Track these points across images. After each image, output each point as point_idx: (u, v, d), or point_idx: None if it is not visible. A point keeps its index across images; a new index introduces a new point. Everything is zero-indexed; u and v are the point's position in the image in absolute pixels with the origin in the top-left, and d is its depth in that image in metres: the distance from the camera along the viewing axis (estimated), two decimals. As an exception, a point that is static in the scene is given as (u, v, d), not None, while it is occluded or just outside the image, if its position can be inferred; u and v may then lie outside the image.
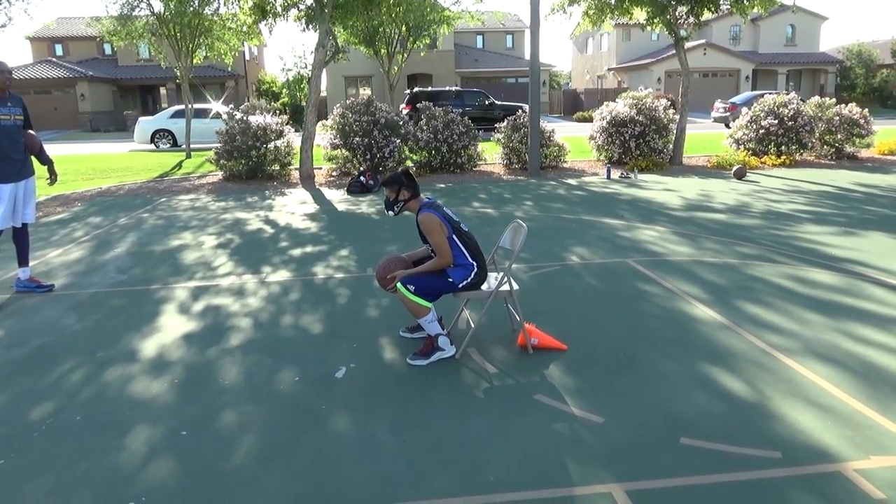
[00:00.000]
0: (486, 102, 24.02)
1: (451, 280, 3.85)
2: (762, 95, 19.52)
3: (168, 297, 5.30)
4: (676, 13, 13.47)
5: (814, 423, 3.05)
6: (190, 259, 6.59)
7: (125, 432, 3.12)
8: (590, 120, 20.31)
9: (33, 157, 5.54)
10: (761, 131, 14.05)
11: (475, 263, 3.88)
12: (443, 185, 11.53)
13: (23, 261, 5.59)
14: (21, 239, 5.53)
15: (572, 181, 11.74)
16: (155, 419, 3.25)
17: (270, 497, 2.56)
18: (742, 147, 14.47)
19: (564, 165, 13.90)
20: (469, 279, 3.86)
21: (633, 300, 4.91)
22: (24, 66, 35.25)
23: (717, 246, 6.58)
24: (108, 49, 37.98)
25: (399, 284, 3.77)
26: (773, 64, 39.24)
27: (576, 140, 16.97)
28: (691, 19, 13.53)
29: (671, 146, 13.85)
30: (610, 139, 13.77)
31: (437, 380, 3.61)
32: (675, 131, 13.82)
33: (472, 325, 4.07)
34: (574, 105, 39.54)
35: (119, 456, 2.91)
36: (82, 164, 16.58)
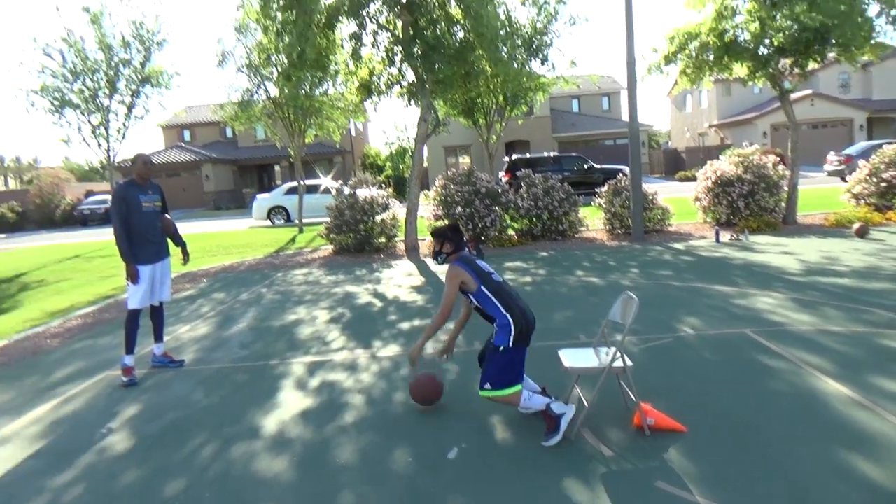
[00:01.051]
0: (586, 166, 24.00)
1: (503, 349, 3.91)
2: (880, 145, 18.37)
3: (286, 373, 5.54)
4: (780, 66, 13.08)
5: (978, 522, 2.74)
6: (305, 334, 6.90)
7: (251, 511, 3.26)
8: (692, 179, 19.81)
9: (168, 239, 6.07)
10: (883, 184, 13.17)
11: (509, 316, 3.95)
12: (545, 254, 11.52)
13: (158, 337, 6.05)
14: (157, 317, 6.01)
15: (679, 245, 11.40)
16: (277, 499, 3.37)
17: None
18: (862, 202, 13.58)
19: (670, 229, 13.54)
20: (513, 336, 3.91)
21: (754, 375, 4.65)
22: (157, 151, 38.93)
23: (844, 313, 6.14)
24: (229, 132, 41.27)
25: (480, 392, 3.93)
26: (890, 111, 36.93)
27: (680, 201, 16.54)
28: (796, 71, 13.09)
29: (783, 204, 13.22)
30: (716, 200, 13.34)
31: (551, 462, 3.54)
32: (786, 188, 13.21)
33: (585, 405, 3.99)
34: (675, 164, 38.74)
35: (247, 535, 3.03)
36: (207, 241, 17.87)
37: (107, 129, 19.72)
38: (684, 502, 3.04)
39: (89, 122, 19.57)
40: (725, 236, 11.87)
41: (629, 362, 3.92)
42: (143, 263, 5.64)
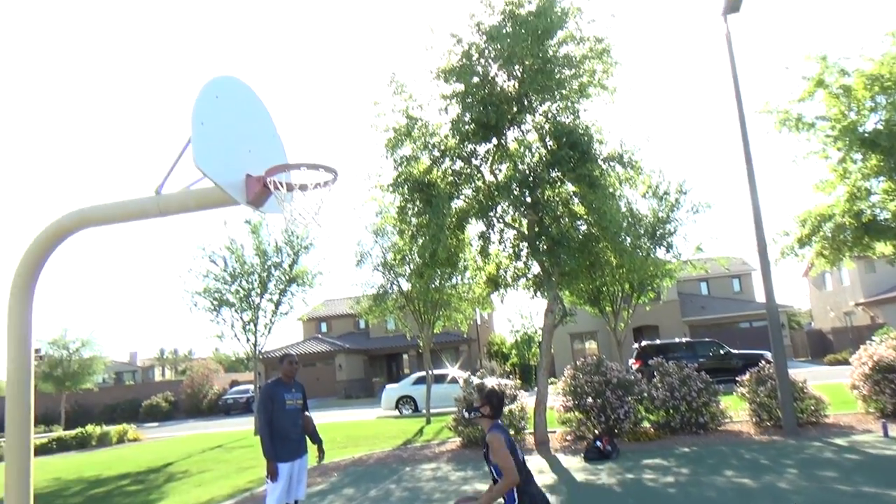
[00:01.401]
0: (722, 352, 22.78)
1: None
2: None
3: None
4: (931, 244, 12.32)
5: None
6: (435, 536, 6.66)
7: None
8: (844, 363, 18.15)
9: (306, 436, 6.31)
10: None
11: (517, 495, 3.99)
12: (686, 449, 10.70)
13: None
14: None
15: (841, 441, 10.23)
16: None
17: None
18: None
19: (826, 420, 12.24)
20: None
21: None
22: (296, 343, 41.51)
23: None
24: (361, 324, 43.52)
25: None
26: None
27: (834, 388, 15.05)
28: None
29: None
30: (877, 388, 12.05)
31: None
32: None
33: None
34: (822, 346, 35.91)
35: None
36: (337, 432, 18.23)
37: (255, 325, 21.48)
38: None
39: (241, 318, 21.47)
40: (894, 430, 10.54)
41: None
42: (282, 461, 5.85)
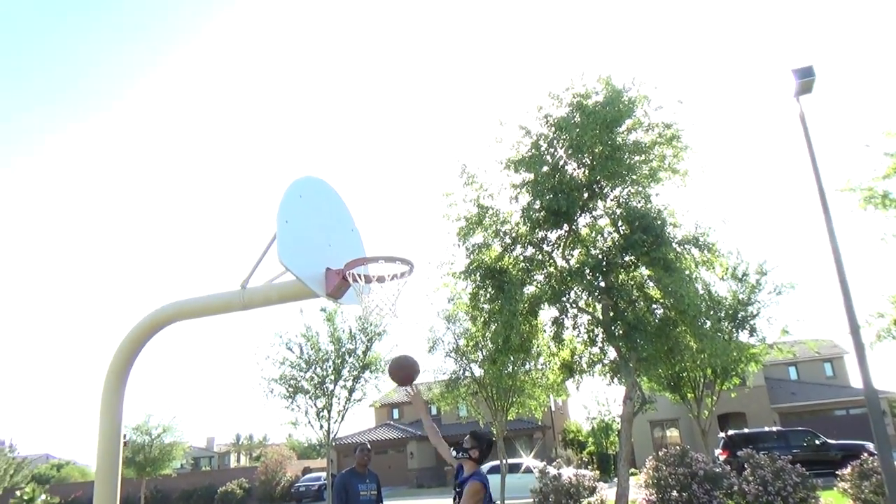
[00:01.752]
0: (817, 442, 21.24)
1: None
2: None
3: None
4: None
5: None
6: None
7: None
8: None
9: None
10: None
11: None
12: (785, 549, 9.91)
13: None
14: None
15: (965, 544, 9.25)
16: None
17: None
18: None
19: (946, 521, 11.12)
20: None
21: None
22: (369, 429, 41.39)
23: None
24: (433, 410, 43.08)
25: None
26: None
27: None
28: None
29: None
30: None
31: None
32: None
33: None
34: (934, 436, 32.87)
35: None
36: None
37: (329, 412, 21.65)
38: None
39: (315, 405, 21.71)
40: None
41: None
42: None
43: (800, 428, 23.86)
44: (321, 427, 21.89)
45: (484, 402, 20.31)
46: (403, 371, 5.46)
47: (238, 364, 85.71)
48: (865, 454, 12.30)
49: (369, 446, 6.50)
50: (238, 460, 73.05)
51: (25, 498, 39.47)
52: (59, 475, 56.39)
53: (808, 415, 34.31)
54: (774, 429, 23.41)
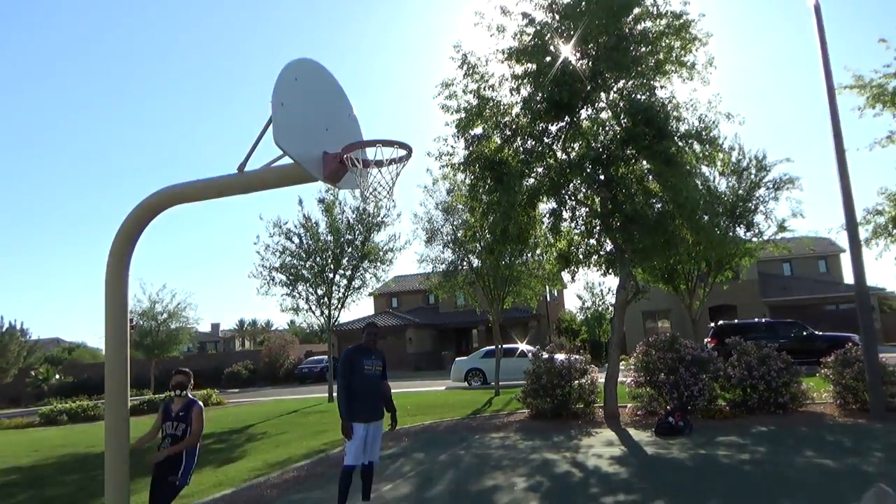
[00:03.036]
0: (805, 333, 21.84)
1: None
2: None
3: (487, 541, 5.46)
4: None
5: None
6: (504, 501, 6.79)
7: None
8: (945, 349, 17.12)
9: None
10: None
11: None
12: (763, 429, 10.41)
13: (365, 495, 6.33)
14: (367, 476, 6.34)
15: (935, 426, 9.72)
16: None
17: None
18: None
19: (920, 406, 11.63)
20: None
21: None
22: (368, 317, 42.51)
23: None
24: (430, 299, 44.07)
25: None
26: None
27: (929, 374, 14.26)
28: None
29: None
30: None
31: None
32: None
33: None
34: (917, 331, 33.83)
35: None
36: (408, 400, 18.65)
37: (329, 299, 22.13)
38: None
39: (316, 293, 22.16)
40: None
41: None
42: (359, 421, 6.08)
43: (789, 320, 24.47)
44: (322, 314, 22.45)
45: (481, 291, 20.71)
46: None
47: (241, 253, 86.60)
48: (850, 344, 12.65)
49: (377, 326, 6.66)
50: (242, 345, 75.53)
51: (40, 378, 41.14)
52: (70, 357, 58.45)
53: (799, 309, 35.13)
54: (763, 320, 24.02)
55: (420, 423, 13.88)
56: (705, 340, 20.77)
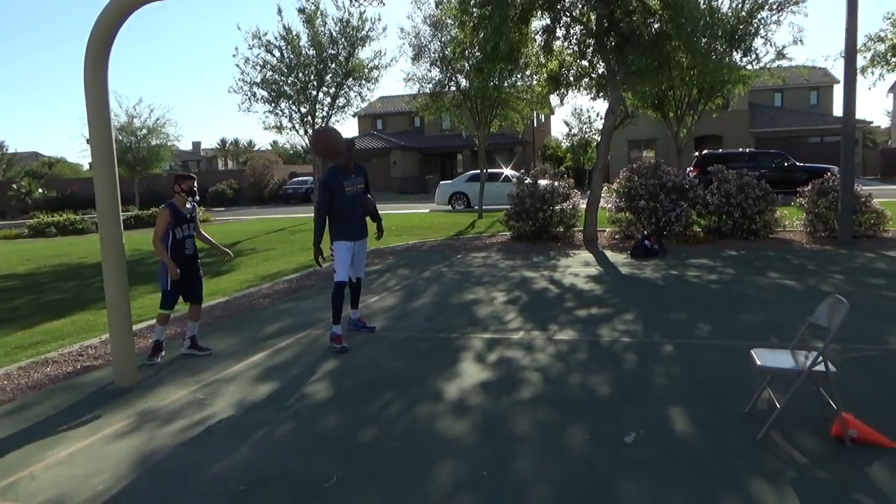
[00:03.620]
0: (786, 164, 22.03)
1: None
2: None
3: (466, 346, 5.83)
4: None
5: None
6: (483, 312, 7.17)
7: (436, 462, 3.53)
8: (920, 183, 17.43)
9: (368, 217, 6.55)
10: None
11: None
12: (734, 253, 10.84)
13: (354, 304, 6.62)
14: (355, 290, 6.54)
15: (894, 254, 10.17)
16: (460, 456, 3.61)
17: (566, 547, 2.69)
18: None
19: (884, 235, 12.09)
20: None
21: None
22: (353, 138, 41.94)
23: None
24: (416, 122, 43.31)
25: None
26: None
27: (900, 206, 14.70)
28: None
29: None
30: (949, 206, 11.67)
31: (737, 461, 3.43)
32: None
33: (778, 407, 3.79)
34: (894, 166, 34.25)
35: (432, 483, 3.30)
36: (393, 221, 19.01)
37: (313, 118, 21.61)
38: (889, 519, 2.82)
39: (299, 111, 21.58)
40: (957, 248, 10.39)
41: (832, 368, 3.66)
42: (345, 240, 6.05)
43: (772, 150, 24.55)
44: (305, 133, 22.05)
45: (468, 113, 20.30)
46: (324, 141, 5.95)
47: (222, 69, 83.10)
48: (828, 174, 12.81)
49: (353, 140, 6.43)
50: (225, 164, 75.03)
51: (24, 191, 41.01)
52: (50, 172, 57.90)
53: (784, 141, 35.12)
54: (747, 150, 24.08)
55: (404, 242, 14.25)
56: (688, 169, 20.92)
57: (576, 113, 38.92)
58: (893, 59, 12.67)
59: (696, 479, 3.24)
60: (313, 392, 4.80)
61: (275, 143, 74.47)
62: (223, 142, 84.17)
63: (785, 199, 14.04)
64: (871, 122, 39.77)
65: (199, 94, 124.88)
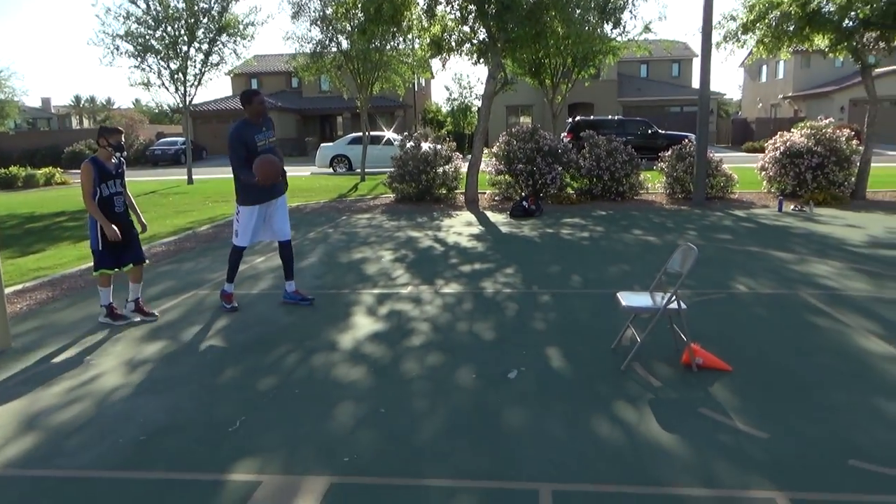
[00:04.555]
0: (650, 131, 23.66)
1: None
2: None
3: (357, 301, 6.01)
4: (864, 39, 12.64)
5: None
6: (372, 270, 7.36)
7: (335, 405, 3.72)
8: (760, 151, 19.34)
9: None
10: (965, 165, 12.72)
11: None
12: (603, 212, 11.68)
13: (288, 275, 6.06)
14: (285, 254, 6.01)
15: (740, 212, 11.39)
16: (357, 398, 3.82)
17: (457, 469, 3.00)
18: (940, 182, 13.17)
19: (732, 197, 13.46)
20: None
21: (804, 331, 4.86)
22: (226, 97, 40.01)
23: (903, 284, 6.21)
24: (294, 83, 41.99)
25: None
26: (984, 90, 34.75)
27: (745, 171, 16.33)
28: (881, 45, 12.63)
29: (853, 179, 12.94)
30: (783, 170, 13.15)
31: (602, 388, 3.88)
32: (858, 164, 12.91)
33: (638, 341, 4.30)
34: (744, 135, 37.62)
35: (332, 423, 3.50)
36: (273, 184, 18.59)
37: (184, 75, 20.50)
38: (723, 426, 3.35)
39: (168, 67, 20.38)
40: (789, 207, 11.77)
41: (683, 306, 4.19)
42: (252, 203, 5.68)
43: (637, 118, 26.21)
44: (176, 90, 20.91)
45: (349, 75, 20.04)
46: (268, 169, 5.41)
47: (77, 18, 75.68)
48: (686, 141, 13.99)
49: (257, 90, 5.92)
50: (80, 123, 69.16)
51: None
52: None
53: (649, 109, 37.48)
54: (616, 117, 25.55)
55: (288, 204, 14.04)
56: (562, 135, 21.93)
57: (456, 78, 39.36)
58: (743, 37, 13.81)
59: (569, 405, 3.66)
60: (206, 348, 4.81)
61: (137, 101, 69.49)
62: (77, 99, 77.43)
63: (648, 164, 15.17)
64: (725, 95, 43.21)
65: (49, 47, 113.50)
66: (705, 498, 2.70)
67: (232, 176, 5.77)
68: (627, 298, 4.32)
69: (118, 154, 5.54)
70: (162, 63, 20.30)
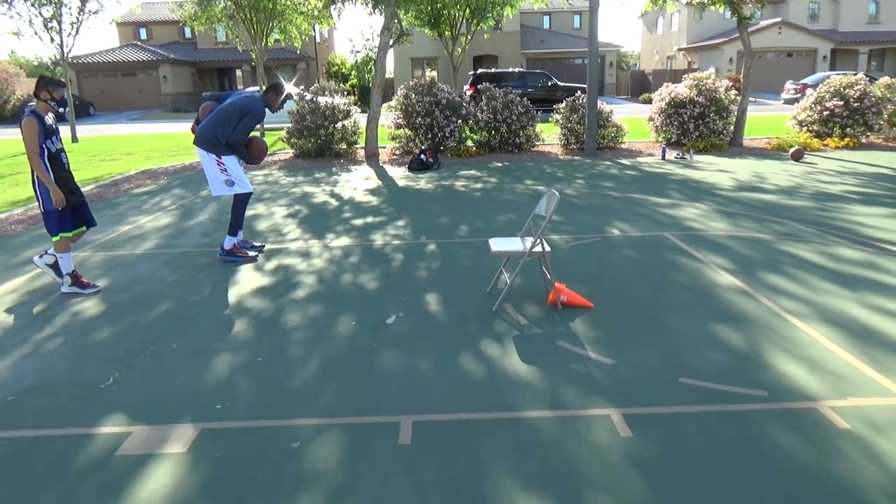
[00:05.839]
0: (549, 84, 24.14)
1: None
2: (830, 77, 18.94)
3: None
4: (740, -7, 13.35)
5: (804, 371, 3.42)
6: (263, 226, 7.32)
7: (212, 357, 3.79)
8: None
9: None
10: (825, 113, 13.82)
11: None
12: (499, 164, 11.96)
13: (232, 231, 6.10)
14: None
15: (626, 161, 11.96)
16: (236, 349, 3.90)
17: (328, 408, 3.16)
18: (805, 129, 14.26)
19: (622, 146, 14.07)
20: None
21: (664, 269, 5.28)
22: (112, 49, 37.45)
23: (756, 224, 6.81)
24: (187, 33, 39.80)
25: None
26: (854, 43, 37.45)
27: (637, 121, 17.04)
28: (756, -1, 13.39)
29: (731, 128, 13.81)
30: (668, 120, 13.84)
31: (473, 328, 4.13)
32: (736, 112, 13.76)
33: (507, 283, 4.57)
34: (641, 87, 38.98)
35: (208, 374, 3.57)
36: (166, 141, 17.81)
37: (59, 23, 19.03)
38: (576, 356, 3.67)
39: (41, 14, 18.84)
40: (671, 155, 12.46)
41: (548, 248, 4.48)
42: (230, 154, 6.01)
43: (538, 70, 26.63)
44: (52, 41, 19.40)
45: (242, 25, 19.21)
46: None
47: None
48: (579, 93, 14.41)
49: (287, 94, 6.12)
50: (-49, 77, 62.93)
51: None
52: None
53: (551, 61, 38.05)
54: (516, 70, 25.86)
55: (179, 162, 13.55)
56: (465, 88, 22.04)
57: (359, 29, 38.41)
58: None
59: (441, 345, 3.88)
60: (83, 309, 4.72)
61: (13, 52, 63.89)
62: (-56, 50, 70.22)
63: (545, 116, 15.55)
64: (623, 48, 44.38)
65: None
66: (549, 418, 2.99)
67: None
68: (497, 244, 4.56)
69: (60, 110, 4.97)
70: (33, 9, 18.74)
